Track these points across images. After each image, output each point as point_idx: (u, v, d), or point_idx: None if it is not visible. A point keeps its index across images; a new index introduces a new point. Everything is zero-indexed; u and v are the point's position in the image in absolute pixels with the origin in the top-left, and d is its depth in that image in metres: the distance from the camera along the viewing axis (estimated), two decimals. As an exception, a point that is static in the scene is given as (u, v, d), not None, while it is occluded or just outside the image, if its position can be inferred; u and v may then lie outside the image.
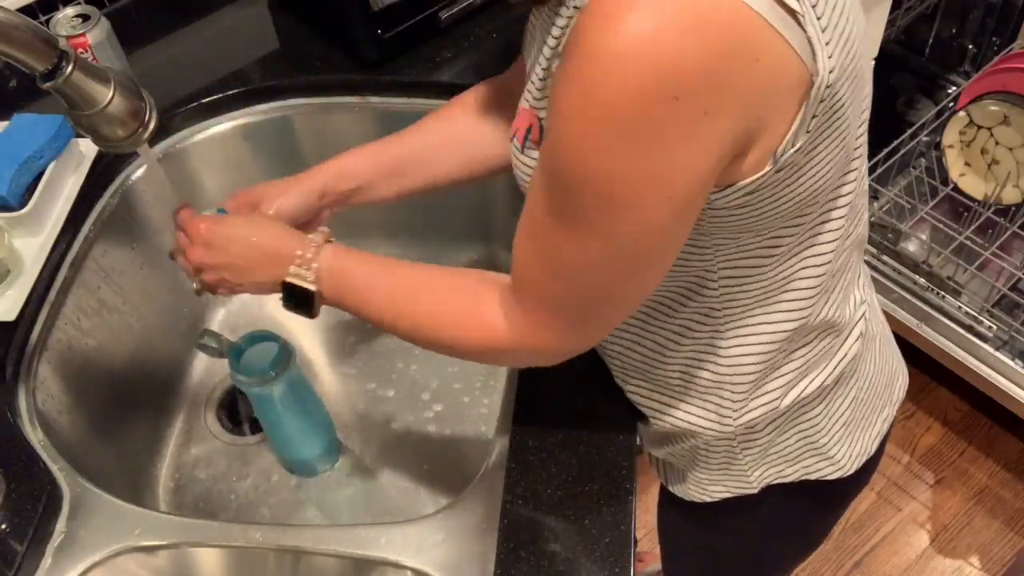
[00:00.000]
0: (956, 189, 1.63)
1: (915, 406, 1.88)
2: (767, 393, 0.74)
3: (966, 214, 1.62)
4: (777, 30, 0.49)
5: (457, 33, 1.15)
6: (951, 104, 1.67)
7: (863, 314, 0.77)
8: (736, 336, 0.71)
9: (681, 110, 0.49)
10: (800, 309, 0.70)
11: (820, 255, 0.67)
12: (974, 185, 1.62)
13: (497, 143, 0.85)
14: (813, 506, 0.88)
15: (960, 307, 1.62)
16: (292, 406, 0.96)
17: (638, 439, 0.84)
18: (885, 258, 1.67)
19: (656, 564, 1.60)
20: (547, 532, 0.73)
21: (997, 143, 1.56)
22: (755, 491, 0.82)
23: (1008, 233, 1.59)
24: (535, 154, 0.63)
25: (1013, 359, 1.59)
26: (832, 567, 1.69)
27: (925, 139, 1.70)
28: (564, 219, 0.56)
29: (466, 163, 0.86)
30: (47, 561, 0.76)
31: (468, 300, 0.69)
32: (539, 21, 0.65)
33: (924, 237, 1.66)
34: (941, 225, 1.64)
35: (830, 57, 0.52)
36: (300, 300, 0.74)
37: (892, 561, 1.68)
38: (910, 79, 1.89)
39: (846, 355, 0.76)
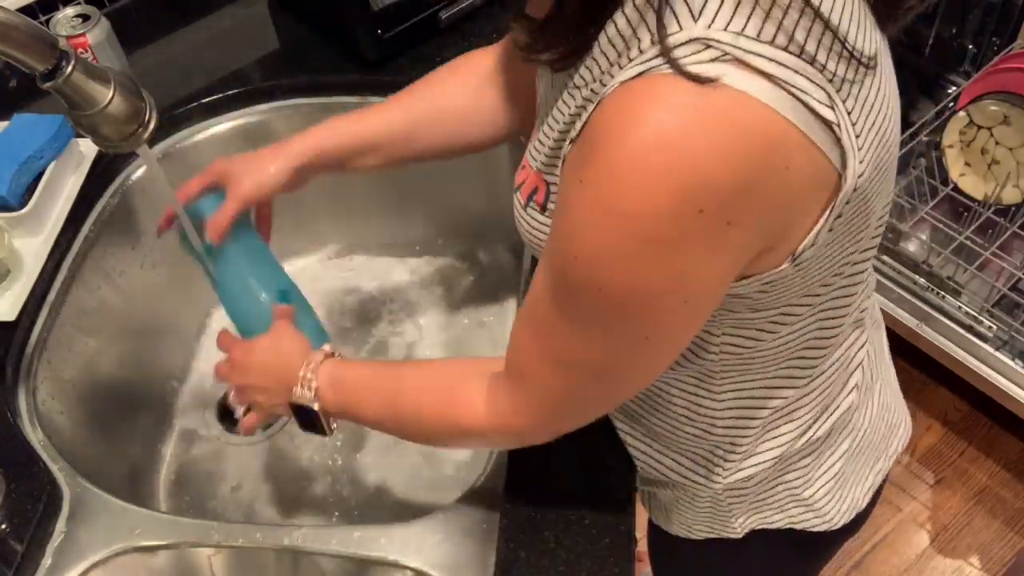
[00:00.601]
0: (956, 189, 1.63)
1: (915, 406, 1.88)
2: (761, 453, 0.73)
3: (966, 214, 1.62)
4: (806, 134, 0.47)
5: (457, 33, 1.15)
6: (951, 104, 1.67)
7: (860, 363, 0.75)
8: (732, 400, 0.69)
9: (705, 222, 0.47)
10: (802, 378, 0.68)
11: (828, 328, 0.65)
12: (974, 185, 1.62)
13: (486, 123, 0.85)
14: (797, 554, 0.86)
15: (960, 307, 1.62)
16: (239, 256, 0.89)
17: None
18: (885, 258, 1.67)
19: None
20: (547, 532, 0.73)
21: (997, 143, 1.56)
22: (739, 536, 0.80)
23: (1008, 233, 1.59)
24: (537, 215, 0.62)
25: (1013, 359, 1.59)
26: (832, 567, 1.69)
27: (925, 139, 1.70)
28: (571, 317, 0.55)
29: (454, 138, 0.86)
30: (47, 561, 0.76)
31: (450, 385, 0.69)
32: (553, 75, 0.61)
33: (924, 237, 1.66)
34: (941, 225, 1.64)
35: (862, 162, 0.51)
36: (307, 419, 0.76)
37: (892, 561, 1.68)
38: (910, 79, 1.89)
39: (838, 407, 0.74)
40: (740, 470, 0.73)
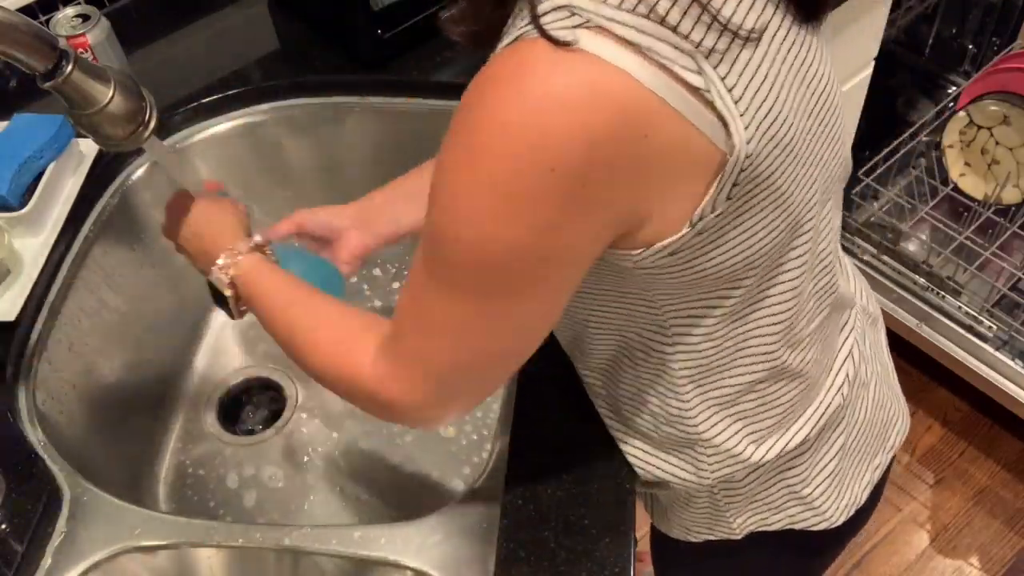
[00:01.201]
0: (956, 189, 1.63)
1: (915, 406, 1.88)
2: (743, 449, 0.72)
3: (966, 214, 1.62)
4: (677, 110, 0.49)
5: (457, 33, 1.15)
6: (951, 104, 1.67)
7: (846, 360, 0.75)
8: (697, 394, 0.69)
9: (558, 180, 0.49)
10: (759, 371, 0.68)
11: (774, 315, 0.65)
12: (974, 185, 1.62)
13: None
14: (799, 555, 0.86)
15: (960, 307, 1.62)
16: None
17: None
18: (885, 258, 1.67)
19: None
20: (547, 532, 0.73)
21: (997, 143, 1.56)
22: (738, 538, 0.80)
23: (1008, 233, 1.59)
24: None
25: (1013, 359, 1.59)
26: (831, 567, 1.69)
27: (925, 139, 1.70)
28: (437, 277, 0.55)
29: None
30: (47, 561, 0.76)
31: (347, 334, 0.67)
32: None
33: (924, 237, 1.66)
34: (941, 225, 1.64)
35: (746, 128, 0.51)
36: (219, 299, 0.78)
37: (892, 561, 1.68)
38: (910, 79, 1.89)
39: (828, 406, 0.74)
40: (724, 466, 0.73)
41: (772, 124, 0.53)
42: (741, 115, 0.51)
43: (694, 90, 0.49)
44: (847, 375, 0.75)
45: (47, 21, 1.06)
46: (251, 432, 1.11)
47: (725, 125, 0.51)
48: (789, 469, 0.75)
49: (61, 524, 0.78)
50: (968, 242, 1.60)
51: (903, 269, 1.66)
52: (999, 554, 1.68)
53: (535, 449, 0.78)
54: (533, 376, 0.82)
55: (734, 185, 0.53)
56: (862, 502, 0.81)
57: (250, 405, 1.15)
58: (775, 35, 0.54)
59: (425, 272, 0.56)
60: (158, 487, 1.05)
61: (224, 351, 1.19)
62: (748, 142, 0.52)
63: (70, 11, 1.03)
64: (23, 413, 0.86)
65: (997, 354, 1.60)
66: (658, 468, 0.76)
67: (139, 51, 1.15)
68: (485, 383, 0.63)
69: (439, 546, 0.75)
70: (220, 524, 0.79)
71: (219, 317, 1.22)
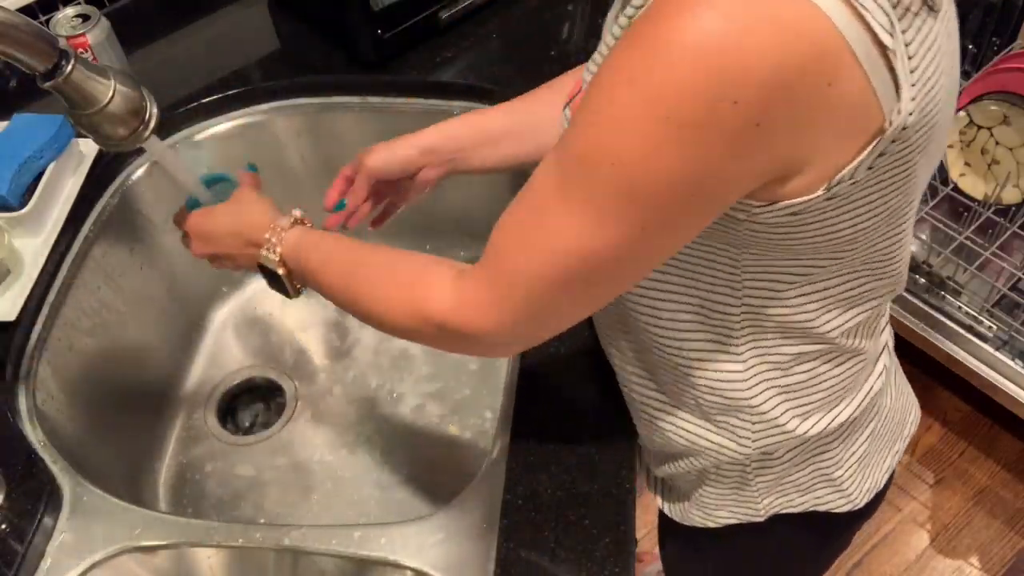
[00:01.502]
0: (956, 189, 1.63)
1: (915, 406, 1.88)
2: (788, 421, 0.72)
3: (966, 214, 1.62)
4: (861, 64, 0.47)
5: (457, 33, 1.15)
6: (951, 104, 1.67)
7: (885, 346, 0.76)
8: (753, 356, 0.68)
9: (736, 115, 0.47)
10: (820, 345, 0.67)
11: (856, 292, 0.64)
12: (974, 185, 1.62)
13: None
14: (818, 538, 0.86)
15: (960, 307, 1.62)
16: None
17: (639, 456, 0.83)
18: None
19: (656, 564, 1.60)
20: (547, 532, 0.73)
21: (997, 143, 1.56)
22: (762, 519, 0.79)
23: (1008, 233, 1.59)
24: None
25: (1013, 359, 1.59)
26: (832, 567, 1.69)
27: (925, 139, 1.70)
28: (573, 198, 0.53)
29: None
30: (47, 561, 0.76)
31: (416, 273, 0.66)
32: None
33: (924, 237, 1.66)
34: (941, 225, 1.64)
35: (913, 99, 0.50)
36: (274, 280, 0.79)
37: (892, 561, 1.68)
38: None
39: (871, 389, 0.74)
40: (768, 436, 0.73)
41: (930, 101, 0.52)
42: (912, 85, 0.50)
43: (881, 48, 0.48)
44: (885, 363, 0.76)
45: (47, 21, 1.06)
46: (251, 432, 1.11)
47: (898, 90, 0.49)
48: (824, 451, 0.76)
49: (61, 524, 0.78)
50: (968, 242, 1.60)
51: (903, 269, 1.66)
52: (999, 554, 1.68)
53: (535, 449, 0.78)
54: (533, 376, 0.82)
55: (880, 155, 0.52)
56: (881, 486, 0.82)
57: (250, 405, 1.15)
58: (947, 11, 0.53)
59: (557, 192, 0.54)
60: (158, 487, 1.05)
61: (224, 351, 1.19)
62: (910, 113, 0.51)
63: (70, 11, 1.03)
64: (23, 413, 0.86)
65: (997, 354, 1.59)
66: (699, 437, 0.75)
67: (139, 51, 1.15)
68: (575, 313, 0.61)
69: (439, 546, 0.75)
70: (220, 524, 0.79)
71: (219, 317, 1.22)
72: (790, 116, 0.48)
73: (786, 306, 0.64)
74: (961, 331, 1.62)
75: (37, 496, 0.78)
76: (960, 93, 1.65)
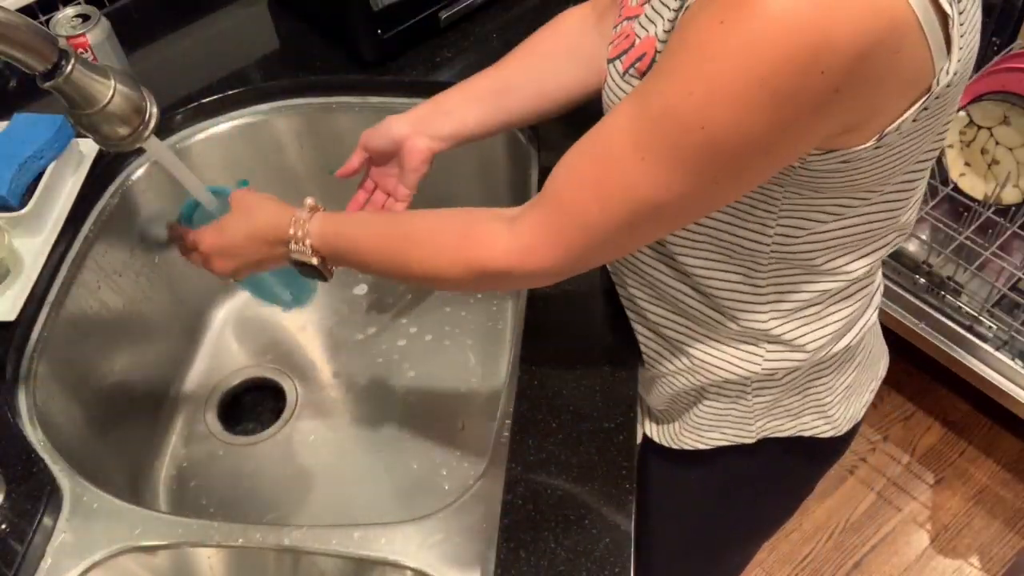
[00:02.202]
0: (956, 189, 1.63)
1: (915, 406, 1.88)
2: (802, 347, 0.76)
3: (966, 214, 1.62)
4: (924, 32, 0.51)
5: (457, 33, 1.15)
6: (951, 104, 1.66)
7: (879, 285, 0.80)
8: (776, 294, 0.72)
9: (820, 83, 0.51)
10: (842, 280, 0.71)
11: (877, 226, 0.68)
12: (974, 185, 1.62)
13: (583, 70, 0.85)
14: (800, 463, 0.90)
15: (960, 307, 1.62)
16: None
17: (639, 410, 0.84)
18: (885, 258, 1.67)
19: None
20: (547, 532, 0.73)
21: (997, 143, 1.56)
22: (751, 441, 0.83)
23: (1008, 233, 1.59)
24: (635, 81, 0.64)
25: (1013, 359, 1.59)
26: (832, 567, 1.69)
27: (925, 139, 1.70)
28: (651, 152, 0.56)
29: (581, 78, 0.86)
30: (47, 561, 0.76)
31: (465, 222, 0.69)
32: None
33: (924, 237, 1.66)
34: (941, 225, 1.64)
35: (958, 61, 0.55)
36: (308, 270, 0.80)
37: (892, 561, 1.68)
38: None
39: (868, 322, 0.79)
40: (780, 359, 0.76)
41: (967, 62, 0.57)
42: (959, 48, 0.54)
43: (942, 16, 0.52)
44: (879, 300, 0.81)
45: (47, 21, 1.06)
46: (251, 432, 1.11)
47: (948, 53, 0.54)
48: (819, 376, 0.80)
49: (61, 524, 0.78)
50: (968, 242, 1.60)
51: (903, 269, 1.66)
52: (999, 554, 1.68)
53: (535, 449, 0.78)
54: (533, 376, 0.82)
55: (924, 109, 0.56)
56: (859, 417, 0.87)
57: (250, 405, 1.15)
58: None
59: (633, 147, 0.57)
60: (158, 487, 1.05)
61: (224, 351, 1.19)
62: (955, 74, 0.55)
63: (70, 11, 1.03)
64: (23, 413, 0.86)
65: (997, 354, 1.59)
66: (710, 355, 0.78)
67: (139, 51, 1.15)
68: (630, 247, 0.67)
69: (439, 546, 0.75)
70: (220, 524, 0.79)
71: (219, 317, 1.22)
72: (864, 82, 0.52)
73: (813, 245, 0.68)
74: (961, 331, 1.62)
75: (37, 496, 0.78)
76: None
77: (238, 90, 1.11)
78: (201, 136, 1.11)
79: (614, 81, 0.67)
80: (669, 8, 0.62)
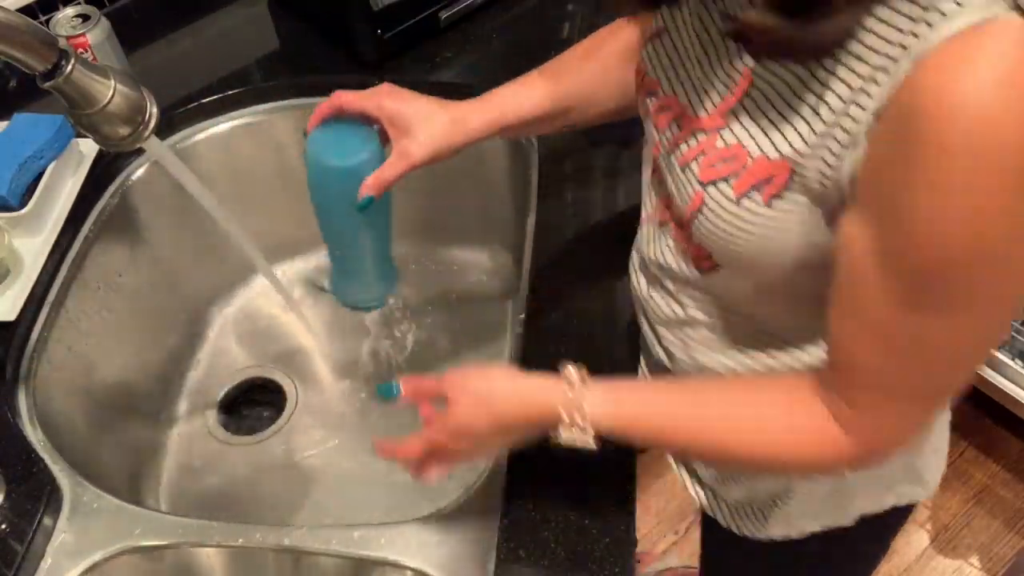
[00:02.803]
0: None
1: (915, 406, 1.87)
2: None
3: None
4: None
5: (457, 33, 1.15)
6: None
7: None
8: None
9: None
10: None
11: None
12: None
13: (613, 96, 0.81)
14: (893, 532, 0.87)
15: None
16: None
17: (699, 490, 0.82)
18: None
19: (656, 564, 1.60)
20: (547, 532, 0.73)
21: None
22: (850, 524, 0.79)
23: (1008, 233, 1.59)
24: (758, 208, 0.56)
25: (1013, 359, 1.59)
26: (832, 567, 1.69)
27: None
28: (928, 305, 0.51)
29: (623, 107, 0.81)
30: (47, 561, 0.76)
31: (781, 425, 0.62)
32: (786, 71, 0.55)
33: (924, 237, 1.66)
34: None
35: None
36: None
37: (892, 561, 1.68)
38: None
39: None
40: None
41: None
42: None
43: None
44: None
45: (47, 21, 1.07)
46: (251, 432, 1.11)
47: None
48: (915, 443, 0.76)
49: (61, 524, 0.78)
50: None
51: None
52: (999, 554, 1.68)
53: (535, 449, 0.78)
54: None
55: None
56: (944, 469, 0.84)
57: (250, 405, 1.15)
58: None
59: (903, 306, 0.52)
60: (158, 487, 1.05)
61: (224, 351, 1.19)
62: None
63: (70, 11, 1.03)
64: (23, 413, 0.86)
65: (997, 354, 1.59)
66: None
67: (139, 51, 1.15)
68: (968, 374, 0.60)
69: (439, 546, 0.75)
70: (220, 524, 0.79)
71: (219, 317, 1.22)
72: None
73: None
74: (961, 331, 1.62)
75: (37, 496, 0.78)
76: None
77: (238, 90, 1.11)
78: (201, 136, 1.11)
79: (721, 207, 0.58)
80: (797, 128, 0.54)
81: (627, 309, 0.86)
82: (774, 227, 0.56)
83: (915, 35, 0.47)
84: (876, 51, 0.49)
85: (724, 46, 0.60)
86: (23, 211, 0.93)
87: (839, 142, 0.51)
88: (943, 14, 0.45)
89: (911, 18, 0.47)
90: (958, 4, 0.45)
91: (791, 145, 0.55)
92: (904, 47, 0.47)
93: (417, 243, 1.25)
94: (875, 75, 0.49)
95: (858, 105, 0.50)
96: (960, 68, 0.44)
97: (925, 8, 0.47)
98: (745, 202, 0.57)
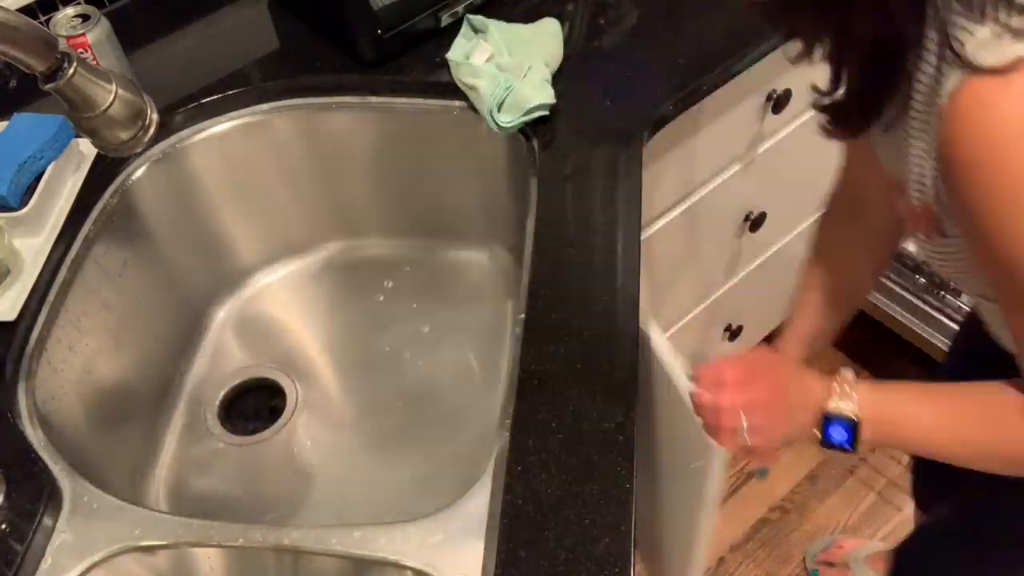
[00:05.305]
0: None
1: (915, 406, 1.87)
2: None
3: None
4: None
5: (457, 33, 1.15)
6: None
7: None
8: None
9: None
10: None
11: None
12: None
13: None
14: None
15: (960, 307, 1.62)
16: None
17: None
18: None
19: (861, 548, 1.60)
20: (547, 532, 0.73)
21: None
22: None
23: (1008, 233, 1.59)
24: (942, 240, 0.71)
25: (1013, 359, 1.59)
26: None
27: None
28: None
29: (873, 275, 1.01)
30: (47, 561, 0.76)
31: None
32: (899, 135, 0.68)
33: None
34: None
35: None
36: (835, 437, 0.76)
37: (892, 561, 1.68)
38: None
39: None
40: None
41: None
42: None
43: None
44: None
45: (47, 21, 1.07)
46: (251, 432, 1.11)
47: None
48: None
49: (61, 524, 0.78)
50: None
51: (903, 269, 1.66)
52: (999, 554, 1.68)
53: (535, 449, 0.78)
54: (533, 376, 0.82)
55: None
56: None
57: (250, 405, 1.15)
58: None
59: None
60: (158, 487, 1.06)
61: (224, 351, 1.19)
62: None
63: (70, 11, 1.03)
64: (23, 413, 0.86)
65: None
66: None
67: (139, 51, 1.15)
68: None
69: (439, 546, 0.75)
70: (220, 524, 0.79)
71: (219, 317, 1.22)
72: None
73: None
74: (961, 331, 1.62)
75: (37, 496, 0.78)
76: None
77: (238, 90, 1.11)
78: (201, 136, 1.11)
79: (924, 248, 0.75)
80: (918, 178, 0.67)
81: (627, 309, 0.86)
82: None
83: (927, 102, 0.62)
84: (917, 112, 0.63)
85: None
86: (23, 211, 0.93)
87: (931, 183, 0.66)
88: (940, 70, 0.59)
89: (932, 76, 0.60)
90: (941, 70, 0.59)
91: (928, 192, 0.68)
92: (925, 109, 0.63)
93: (417, 243, 1.25)
94: (924, 128, 0.64)
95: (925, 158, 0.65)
96: (983, 98, 0.57)
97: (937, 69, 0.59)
98: (936, 241, 0.73)
